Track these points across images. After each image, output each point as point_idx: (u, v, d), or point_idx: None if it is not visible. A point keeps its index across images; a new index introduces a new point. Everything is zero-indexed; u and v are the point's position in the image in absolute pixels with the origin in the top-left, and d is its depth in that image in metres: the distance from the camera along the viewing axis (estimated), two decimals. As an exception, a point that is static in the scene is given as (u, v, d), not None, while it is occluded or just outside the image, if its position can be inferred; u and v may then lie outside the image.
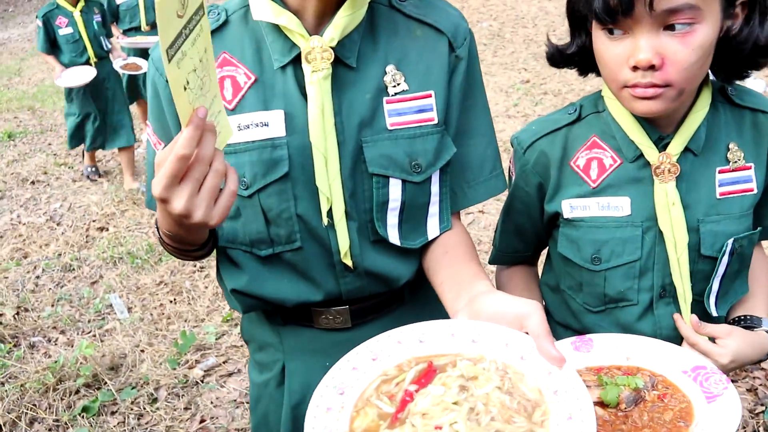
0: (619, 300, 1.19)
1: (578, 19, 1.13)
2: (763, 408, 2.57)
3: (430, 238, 1.14)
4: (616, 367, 1.10)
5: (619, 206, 1.15)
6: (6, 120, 7.83)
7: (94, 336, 3.42)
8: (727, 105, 1.16)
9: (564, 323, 1.31)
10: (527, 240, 1.34)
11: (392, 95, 1.07)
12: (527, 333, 0.82)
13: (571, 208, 1.19)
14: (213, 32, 1.04)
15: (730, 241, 1.12)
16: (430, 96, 1.08)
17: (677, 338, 1.16)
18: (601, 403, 1.03)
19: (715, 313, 1.18)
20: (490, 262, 1.45)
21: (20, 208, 5.24)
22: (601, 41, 1.06)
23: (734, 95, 1.16)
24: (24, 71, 10.86)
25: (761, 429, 2.46)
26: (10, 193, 5.56)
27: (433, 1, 1.12)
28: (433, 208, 1.13)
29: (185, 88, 0.75)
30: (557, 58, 1.20)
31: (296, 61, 1.03)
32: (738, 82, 1.15)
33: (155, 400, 2.86)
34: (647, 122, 1.13)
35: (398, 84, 1.07)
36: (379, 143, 1.06)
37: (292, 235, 1.08)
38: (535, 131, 1.24)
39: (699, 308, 1.16)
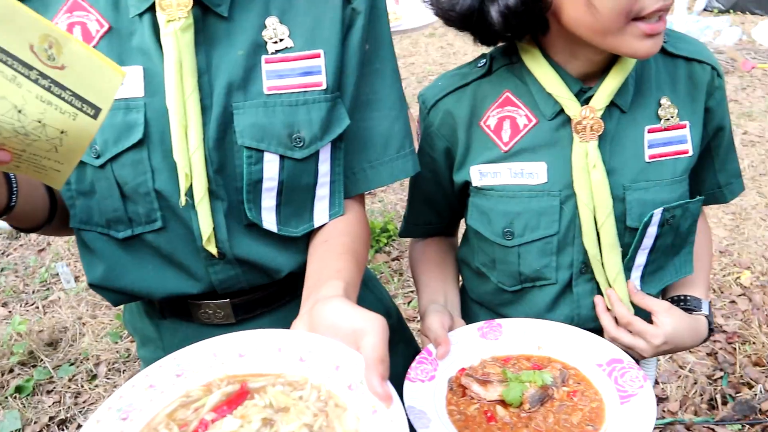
0: (535, 279, 1.05)
1: None
2: (722, 373, 2.49)
3: (316, 225, 0.99)
4: (525, 358, 1.00)
5: (534, 172, 1.00)
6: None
7: (37, 308, 3.27)
8: (659, 54, 1.00)
9: (480, 301, 1.18)
10: (439, 210, 1.18)
11: (272, 53, 0.91)
12: None
13: (480, 174, 1.04)
14: None
15: (658, 211, 0.97)
16: (318, 56, 0.92)
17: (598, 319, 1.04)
18: (502, 402, 0.92)
19: (638, 289, 1.04)
20: (399, 235, 1.30)
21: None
22: None
23: (666, 42, 1.00)
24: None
25: (718, 396, 2.38)
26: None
27: None
28: (322, 191, 0.97)
29: None
30: (455, 14, 0.95)
31: (155, 9, 0.86)
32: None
33: (94, 377, 2.74)
34: (567, 73, 0.97)
35: (280, 40, 0.91)
36: (252, 110, 0.90)
37: (151, 213, 0.93)
38: (441, 87, 1.07)
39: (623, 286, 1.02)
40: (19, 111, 0.63)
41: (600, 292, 1.04)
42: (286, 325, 0.77)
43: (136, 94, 0.88)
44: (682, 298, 1.08)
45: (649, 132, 0.99)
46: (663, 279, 1.07)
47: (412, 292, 3.11)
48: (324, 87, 0.92)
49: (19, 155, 0.67)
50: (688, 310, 1.06)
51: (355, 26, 0.94)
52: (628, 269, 1.02)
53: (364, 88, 0.98)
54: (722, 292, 2.96)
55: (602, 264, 1.00)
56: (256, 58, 0.91)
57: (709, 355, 2.61)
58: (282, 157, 0.92)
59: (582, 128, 0.95)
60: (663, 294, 1.13)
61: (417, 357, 0.99)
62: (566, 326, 1.01)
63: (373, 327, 0.67)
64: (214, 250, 0.94)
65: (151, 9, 0.87)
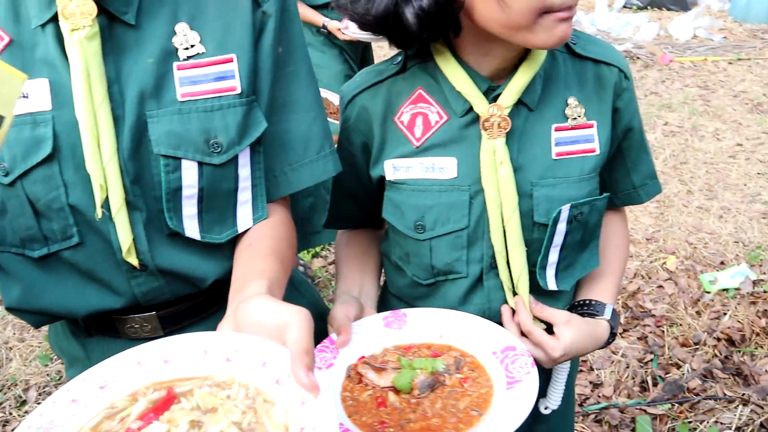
0: (447, 272, 1.07)
1: None
2: (652, 356, 2.59)
3: (240, 230, 0.98)
4: (426, 346, 1.02)
5: (444, 167, 1.01)
6: None
7: (-41, 335, 3.12)
8: (568, 55, 1.03)
9: (398, 295, 1.19)
10: (361, 204, 1.19)
11: (184, 59, 0.89)
12: None
13: (393, 168, 1.05)
14: None
15: (566, 208, 0.99)
16: (231, 60, 0.91)
17: None
18: (395, 389, 0.94)
19: (554, 287, 1.06)
20: (323, 226, 1.30)
21: None
22: None
23: (575, 44, 1.02)
24: None
25: (649, 378, 2.47)
26: None
27: None
28: (244, 195, 0.97)
29: None
30: (370, 21, 0.94)
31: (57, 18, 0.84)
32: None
33: (24, 403, 2.62)
34: (476, 72, 0.98)
35: (192, 46, 0.90)
36: (167, 118, 0.89)
37: (67, 230, 0.90)
38: (358, 83, 1.08)
39: (533, 281, 1.05)
40: None
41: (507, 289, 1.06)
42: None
43: (42, 107, 0.86)
44: (587, 302, 1.11)
45: (556, 130, 1.01)
46: (574, 274, 1.09)
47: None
48: (239, 91, 0.91)
49: None
50: (591, 315, 1.08)
51: (267, 29, 0.94)
52: (542, 268, 1.04)
53: (280, 91, 0.98)
54: (650, 278, 3.08)
55: (507, 261, 1.02)
56: (167, 66, 0.89)
57: (639, 339, 2.71)
58: (200, 164, 0.91)
59: (489, 125, 0.97)
60: (575, 290, 1.16)
61: (318, 345, 1.01)
62: (469, 315, 1.03)
63: (296, 320, 0.67)
64: (135, 262, 0.92)
65: (54, 19, 0.84)
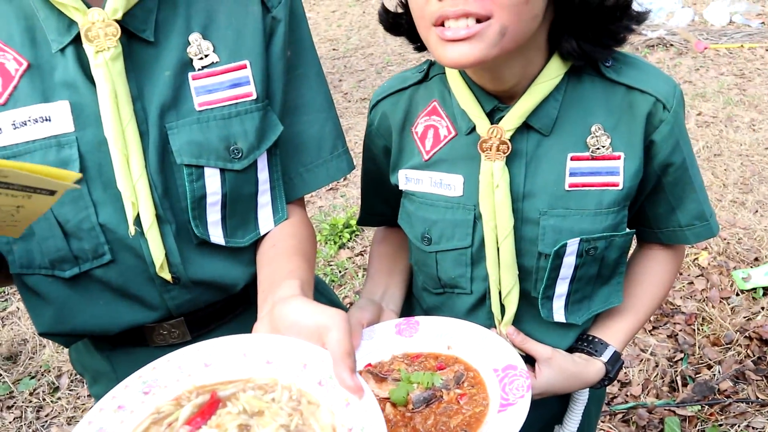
0: (453, 286, 1.06)
1: None
2: (683, 355, 2.55)
3: (262, 233, 1.00)
4: (433, 356, 1.01)
5: (451, 185, 0.99)
6: None
7: (-6, 320, 3.19)
8: (598, 78, 0.94)
9: (417, 297, 1.19)
10: (390, 203, 1.17)
11: (199, 69, 0.90)
12: None
13: (406, 179, 1.04)
14: None
15: (573, 241, 0.94)
16: (245, 67, 0.92)
17: None
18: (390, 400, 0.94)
19: (561, 319, 1.02)
20: (357, 223, 1.31)
21: None
22: None
23: (609, 67, 0.93)
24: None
25: (679, 378, 2.44)
26: None
27: None
28: (264, 198, 0.99)
29: None
30: (386, 21, 1.00)
31: (78, 41, 0.85)
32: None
33: (56, 389, 2.69)
34: (482, 90, 0.94)
35: (206, 55, 0.91)
36: (186, 128, 0.90)
37: (98, 248, 0.91)
38: (385, 88, 1.08)
39: (545, 309, 1.01)
40: None
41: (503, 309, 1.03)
42: (244, 333, 0.77)
43: (65, 129, 0.86)
44: (588, 338, 1.06)
45: (572, 159, 0.94)
46: (590, 308, 1.05)
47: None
48: (254, 97, 0.93)
49: None
50: (588, 353, 1.04)
51: (277, 34, 0.95)
52: (547, 298, 1.00)
53: (291, 93, 0.99)
54: (681, 274, 3.03)
55: (499, 282, 0.99)
56: (183, 76, 0.90)
57: (669, 337, 2.67)
58: (222, 171, 0.92)
59: (488, 147, 0.93)
60: (593, 322, 1.11)
61: None
62: (480, 328, 1.00)
63: (336, 322, 0.68)
64: (168, 276, 0.93)
65: (73, 42, 0.85)
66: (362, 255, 3.37)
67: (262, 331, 0.75)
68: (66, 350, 2.86)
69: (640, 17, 0.88)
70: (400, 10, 0.96)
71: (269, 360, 0.72)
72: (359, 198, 1.25)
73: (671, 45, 6.11)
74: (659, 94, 0.92)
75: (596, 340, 1.06)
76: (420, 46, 0.96)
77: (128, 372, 1.04)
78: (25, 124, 0.85)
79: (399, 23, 0.97)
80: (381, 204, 1.20)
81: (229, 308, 1.05)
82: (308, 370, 0.69)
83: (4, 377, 2.72)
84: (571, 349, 1.07)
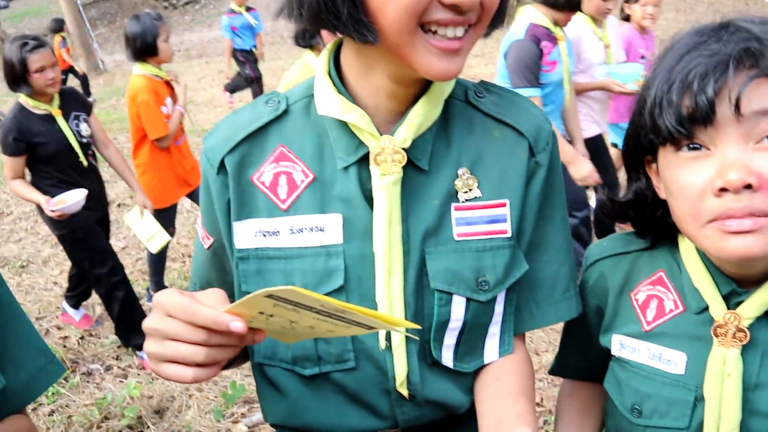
0: None
1: (637, 156, 0.95)
2: None
3: (486, 362, 1.01)
4: None
5: (672, 360, 0.95)
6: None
7: (149, 372, 3.40)
8: None
9: None
10: (589, 359, 1.15)
11: (462, 201, 0.95)
12: None
13: (621, 345, 1.01)
14: (271, 122, 0.96)
15: None
16: (504, 205, 0.96)
17: None
18: None
19: None
20: (549, 372, 1.28)
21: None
22: (673, 168, 0.85)
23: None
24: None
25: None
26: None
27: (515, 99, 1.00)
28: (494, 329, 1.00)
29: (262, 313, 0.71)
30: (610, 209, 1.03)
31: (361, 161, 0.93)
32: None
33: (194, 452, 2.78)
34: (719, 271, 0.91)
35: (470, 190, 0.95)
36: (443, 255, 0.94)
37: (344, 354, 0.96)
38: (604, 249, 1.08)
39: None
40: (293, 322, 0.73)
41: None
42: None
43: (335, 240, 0.93)
44: None
45: None
46: None
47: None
48: (509, 235, 0.96)
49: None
50: None
51: (536, 177, 0.98)
52: None
53: (537, 232, 1.01)
54: None
55: None
56: (447, 206, 0.95)
57: None
58: (468, 300, 0.95)
59: (722, 333, 0.89)
60: None
61: None
62: None
63: None
64: (405, 393, 0.96)
65: (357, 162, 0.92)
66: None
67: None
68: (208, 416, 2.98)
69: None
70: (629, 197, 0.99)
71: None
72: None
73: None
74: None
75: None
76: (642, 231, 1.00)
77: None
78: (302, 231, 0.93)
79: (624, 210, 1.01)
80: (578, 358, 1.19)
81: (443, 425, 1.06)
82: None
83: (151, 429, 2.86)
84: None
